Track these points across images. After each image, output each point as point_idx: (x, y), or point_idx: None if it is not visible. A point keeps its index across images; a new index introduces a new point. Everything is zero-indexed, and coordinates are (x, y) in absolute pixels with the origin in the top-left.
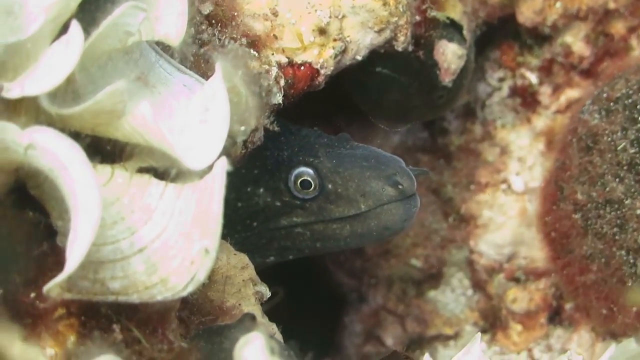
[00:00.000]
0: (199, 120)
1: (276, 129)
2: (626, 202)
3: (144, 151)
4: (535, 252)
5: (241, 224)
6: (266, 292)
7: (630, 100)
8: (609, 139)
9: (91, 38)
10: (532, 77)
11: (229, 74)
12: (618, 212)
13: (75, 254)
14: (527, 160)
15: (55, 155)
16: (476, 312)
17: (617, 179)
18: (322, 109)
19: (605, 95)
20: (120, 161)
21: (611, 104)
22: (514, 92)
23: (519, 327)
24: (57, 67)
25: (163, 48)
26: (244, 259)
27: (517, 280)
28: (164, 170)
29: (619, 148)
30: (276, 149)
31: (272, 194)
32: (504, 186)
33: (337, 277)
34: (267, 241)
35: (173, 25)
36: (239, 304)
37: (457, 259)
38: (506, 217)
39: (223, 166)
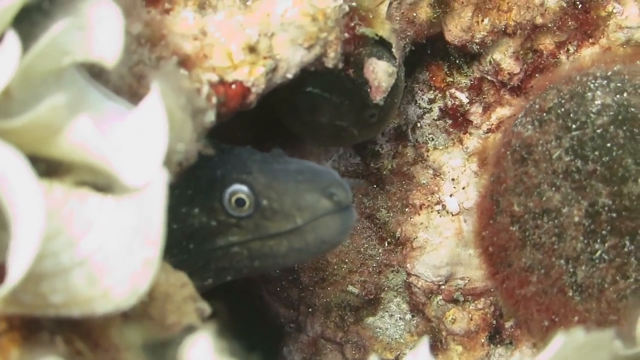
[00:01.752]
0: (137, 138)
1: (209, 151)
2: (563, 210)
3: (83, 168)
4: (473, 272)
5: (177, 246)
6: (207, 308)
7: (562, 109)
8: (544, 148)
9: (30, 54)
10: (463, 97)
11: (164, 93)
12: (556, 221)
13: (19, 264)
14: (461, 180)
15: None
16: (416, 336)
17: (553, 188)
18: (254, 134)
19: (537, 106)
20: (57, 178)
21: (544, 114)
22: (445, 113)
23: (459, 348)
24: None
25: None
26: (182, 277)
27: (455, 302)
28: (103, 186)
29: (554, 157)
30: (209, 168)
31: (208, 214)
32: (438, 207)
33: (274, 308)
34: (204, 263)
35: (108, 46)
36: (180, 321)
37: (395, 283)
38: (442, 237)
39: (163, 177)
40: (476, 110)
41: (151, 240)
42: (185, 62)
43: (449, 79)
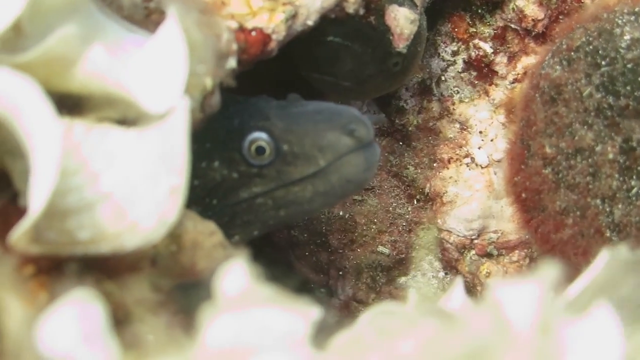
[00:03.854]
0: (156, 63)
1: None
2: (597, 148)
3: (102, 102)
4: (506, 225)
5: (200, 203)
6: (238, 255)
7: (591, 47)
8: (573, 87)
9: None
10: (487, 47)
11: (181, 16)
12: (589, 160)
13: (39, 196)
14: (489, 133)
15: (7, 95)
16: None
17: (585, 126)
18: (271, 88)
19: (564, 46)
20: (78, 116)
21: (572, 53)
22: (469, 64)
23: None
24: (4, 8)
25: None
26: (211, 225)
27: (489, 256)
28: (124, 120)
29: (584, 95)
30: (226, 119)
31: (228, 166)
32: (467, 160)
33: (303, 274)
34: (229, 218)
35: None
36: (211, 267)
37: (426, 241)
38: (472, 190)
39: (185, 103)
40: (501, 60)
41: (176, 168)
42: (203, 10)
43: (472, 30)
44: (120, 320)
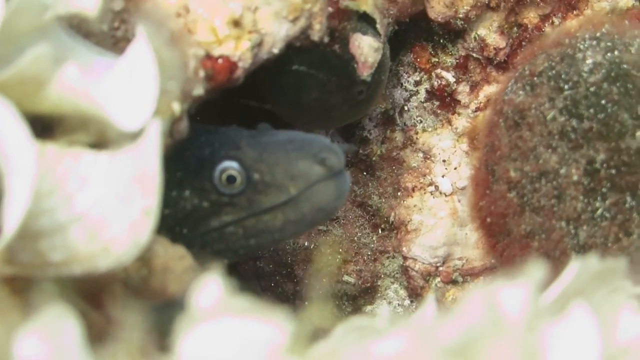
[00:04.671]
0: (127, 82)
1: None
2: (561, 171)
3: (74, 124)
4: (471, 252)
5: (170, 232)
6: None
7: (554, 72)
8: (537, 111)
9: (9, 8)
10: (449, 77)
11: (150, 35)
12: (554, 182)
13: (13, 216)
14: (452, 161)
15: None
16: None
17: (549, 150)
18: (239, 119)
19: (527, 72)
20: (50, 139)
21: (535, 78)
22: (432, 94)
23: None
24: None
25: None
26: (181, 250)
27: (454, 283)
28: (96, 144)
29: (548, 118)
30: (197, 148)
31: (199, 195)
32: (431, 189)
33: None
34: (199, 248)
35: None
36: (182, 290)
37: (391, 270)
38: (437, 218)
39: (157, 125)
40: (463, 89)
41: (149, 189)
42: (170, 37)
43: (434, 59)
44: (94, 339)
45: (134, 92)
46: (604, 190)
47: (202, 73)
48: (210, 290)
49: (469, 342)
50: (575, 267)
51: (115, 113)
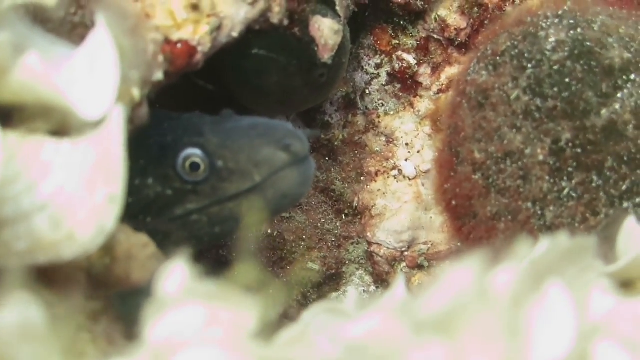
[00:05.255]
0: (88, 70)
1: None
2: (526, 151)
3: (34, 113)
4: (436, 236)
5: (134, 221)
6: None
7: (516, 51)
8: (500, 91)
9: None
10: (410, 59)
11: (110, 23)
12: (519, 163)
13: None
14: (415, 144)
15: None
16: None
17: (514, 130)
18: (199, 104)
19: (490, 51)
20: (9, 127)
21: (497, 58)
22: (393, 77)
23: None
24: None
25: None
26: (144, 237)
27: (420, 267)
28: (56, 132)
29: (512, 98)
30: (159, 135)
31: (162, 183)
32: (394, 172)
33: None
34: (163, 236)
35: None
36: (145, 277)
37: (356, 255)
38: (401, 202)
39: (120, 111)
40: (425, 71)
41: (113, 176)
42: (127, 22)
43: (395, 42)
44: None
45: (96, 80)
46: (570, 169)
47: (161, 58)
48: (176, 277)
49: (451, 314)
50: (545, 245)
51: (77, 101)
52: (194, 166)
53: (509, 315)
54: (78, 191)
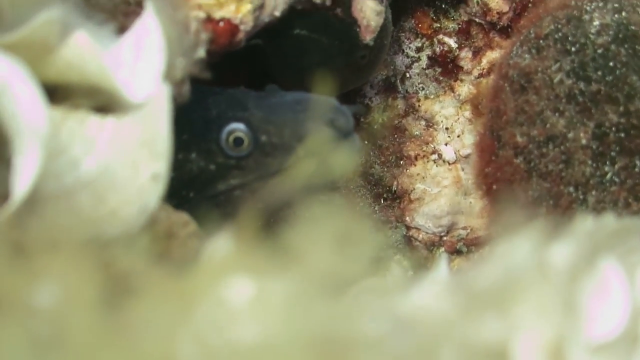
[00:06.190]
0: (134, 57)
1: (206, 75)
2: (569, 135)
3: (78, 91)
4: (475, 221)
5: (177, 196)
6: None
7: (560, 34)
8: (544, 75)
9: None
10: (451, 42)
11: (158, 10)
12: (562, 147)
13: (24, 179)
14: (455, 129)
15: None
16: None
17: (556, 113)
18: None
19: (533, 35)
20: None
21: (541, 41)
22: (434, 60)
23: None
24: None
25: None
26: (184, 216)
27: (459, 252)
28: (99, 108)
29: (555, 81)
30: (203, 109)
31: (206, 158)
32: (434, 157)
33: None
34: (206, 211)
35: None
36: (186, 256)
37: (394, 240)
38: (440, 187)
39: (166, 89)
40: (466, 55)
41: (158, 154)
42: (171, 1)
43: (436, 25)
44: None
45: (143, 66)
46: (612, 154)
47: (203, 36)
48: (221, 246)
49: (505, 287)
50: (593, 224)
51: (124, 84)
52: (238, 141)
53: (565, 290)
54: (122, 169)
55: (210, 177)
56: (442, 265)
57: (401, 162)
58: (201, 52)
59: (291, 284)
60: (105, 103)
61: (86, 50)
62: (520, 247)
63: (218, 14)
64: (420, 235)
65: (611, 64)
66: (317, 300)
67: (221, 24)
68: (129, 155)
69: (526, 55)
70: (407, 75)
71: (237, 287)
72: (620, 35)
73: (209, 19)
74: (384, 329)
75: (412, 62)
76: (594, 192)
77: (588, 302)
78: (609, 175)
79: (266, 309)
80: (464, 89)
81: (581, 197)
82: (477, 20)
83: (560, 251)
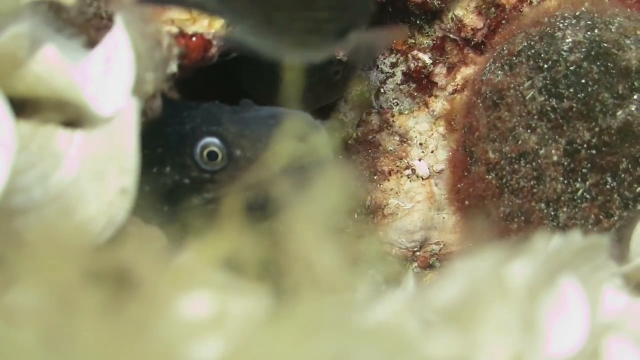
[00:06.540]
0: (103, 71)
1: (174, 95)
2: (541, 151)
3: (48, 106)
4: (448, 236)
5: (151, 210)
6: None
7: (533, 51)
8: (516, 91)
9: None
10: (426, 58)
11: (127, 24)
12: (533, 163)
13: None
14: (429, 144)
15: None
16: None
17: (528, 130)
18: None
19: (506, 51)
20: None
21: (513, 57)
22: (408, 76)
23: None
24: None
25: None
26: (155, 230)
27: (432, 267)
28: (68, 123)
29: (527, 98)
30: (178, 124)
31: (180, 172)
32: (408, 172)
33: None
34: (180, 225)
35: None
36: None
37: (367, 255)
38: (414, 202)
39: (134, 103)
40: (440, 71)
41: (125, 169)
42: (144, 15)
43: (411, 41)
44: None
45: (111, 80)
46: (584, 170)
47: (175, 50)
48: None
49: (465, 304)
50: (559, 241)
51: (92, 98)
52: (212, 155)
53: (523, 308)
54: (90, 182)
55: (184, 190)
56: (409, 282)
57: (375, 177)
58: (173, 67)
59: (252, 300)
60: (74, 117)
61: (55, 65)
62: (482, 264)
63: (191, 29)
64: (394, 250)
65: (583, 81)
66: (279, 316)
67: (194, 39)
68: (98, 169)
69: (499, 72)
70: (382, 90)
71: (196, 303)
72: (593, 53)
73: (182, 34)
74: (343, 344)
75: (387, 78)
76: (565, 209)
77: (547, 319)
78: (580, 192)
79: (226, 325)
80: (438, 104)
81: (552, 213)
82: (451, 36)
83: (521, 269)
